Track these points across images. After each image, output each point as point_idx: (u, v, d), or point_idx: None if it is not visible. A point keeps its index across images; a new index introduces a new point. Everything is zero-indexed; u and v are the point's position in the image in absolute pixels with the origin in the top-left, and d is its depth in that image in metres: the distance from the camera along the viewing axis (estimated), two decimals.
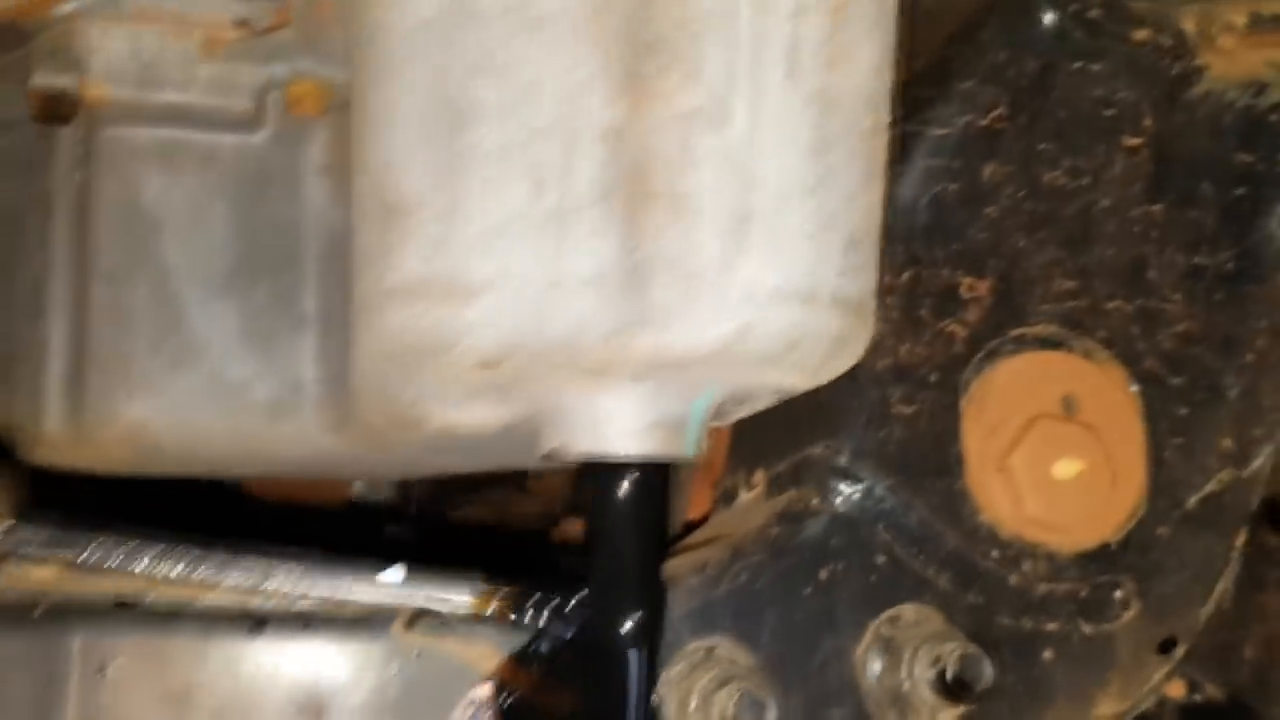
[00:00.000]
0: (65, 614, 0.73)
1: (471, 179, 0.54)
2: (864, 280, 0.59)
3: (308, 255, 0.99)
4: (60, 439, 0.98)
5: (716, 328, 0.56)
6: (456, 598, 0.69)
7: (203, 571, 0.65)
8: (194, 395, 0.97)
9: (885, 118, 0.60)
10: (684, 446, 0.64)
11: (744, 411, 0.73)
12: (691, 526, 0.98)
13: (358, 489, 1.39)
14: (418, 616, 0.77)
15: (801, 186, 0.55)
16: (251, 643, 0.75)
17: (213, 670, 0.74)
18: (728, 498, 1.00)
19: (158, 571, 0.65)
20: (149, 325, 0.98)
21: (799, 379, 0.62)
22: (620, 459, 0.64)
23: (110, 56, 0.97)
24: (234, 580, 0.65)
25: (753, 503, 0.95)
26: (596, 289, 0.55)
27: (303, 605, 0.75)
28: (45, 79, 0.99)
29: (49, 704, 0.73)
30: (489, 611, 0.69)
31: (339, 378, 0.97)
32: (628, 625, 0.67)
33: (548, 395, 0.64)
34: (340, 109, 0.99)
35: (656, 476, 0.65)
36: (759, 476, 0.94)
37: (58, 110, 1.00)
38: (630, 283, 0.55)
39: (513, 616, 0.69)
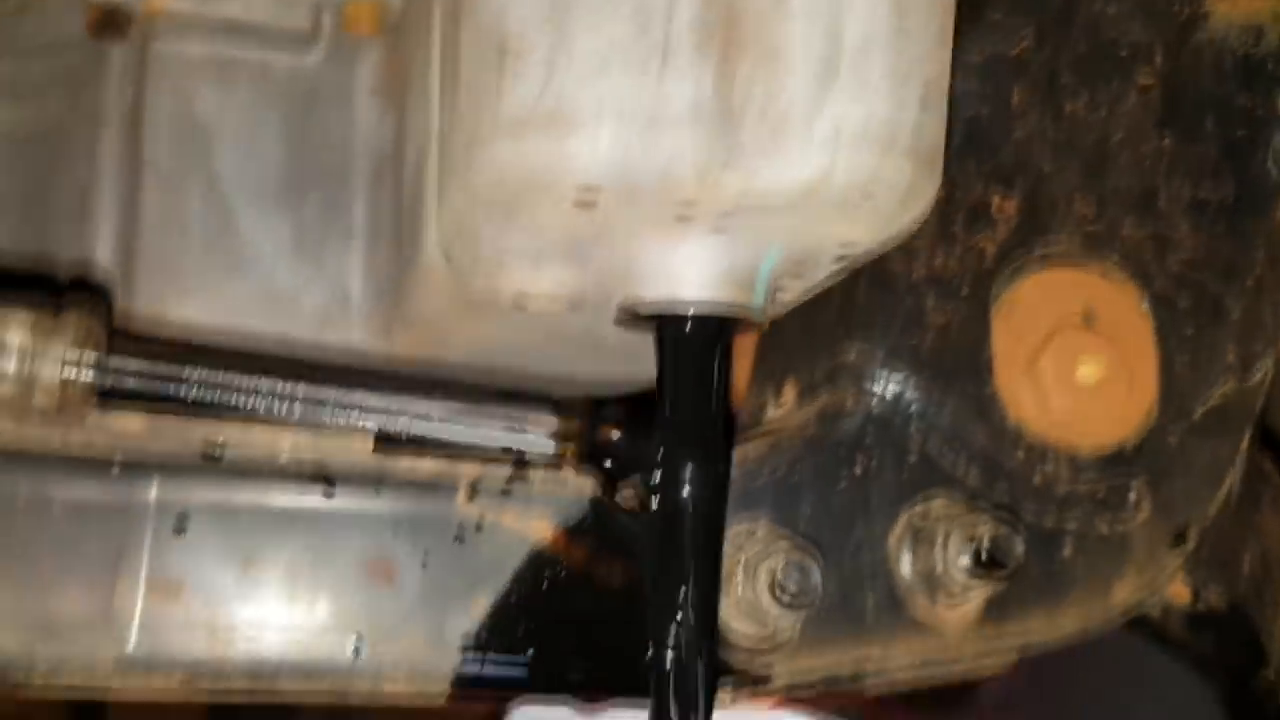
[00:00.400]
0: (143, 469, 0.75)
1: (580, 19, 0.59)
2: (934, 134, 0.64)
3: (357, 172, 1.03)
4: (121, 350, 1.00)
5: (800, 169, 0.60)
6: (535, 446, 0.72)
7: (297, 409, 0.67)
8: (244, 301, 1.00)
9: None
10: (753, 298, 0.68)
11: (799, 287, 0.78)
12: None
13: None
14: (478, 489, 0.81)
15: (883, 39, 0.60)
16: (324, 503, 0.77)
17: (285, 528, 0.76)
18: (755, 414, 1.04)
19: (254, 407, 0.67)
20: (200, 230, 1.01)
21: (869, 232, 0.67)
22: (691, 307, 0.68)
23: None
24: (328, 418, 0.67)
25: (783, 415, 0.99)
26: (690, 127, 0.59)
27: (374, 466, 0.78)
28: None
29: (122, 558, 0.75)
30: (568, 455, 0.72)
31: (386, 289, 1.00)
32: (689, 484, 0.70)
33: (626, 250, 0.68)
34: (393, 30, 1.04)
35: (726, 329, 0.69)
36: (788, 389, 0.98)
37: (113, 23, 1.03)
38: (722, 123, 0.59)
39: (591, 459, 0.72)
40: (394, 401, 0.70)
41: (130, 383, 0.66)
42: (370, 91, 1.03)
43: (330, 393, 0.67)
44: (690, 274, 0.66)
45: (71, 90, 1.05)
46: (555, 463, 0.79)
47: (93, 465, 0.74)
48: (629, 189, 0.60)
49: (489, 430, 0.71)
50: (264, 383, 0.67)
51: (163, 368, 0.67)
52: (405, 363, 1.01)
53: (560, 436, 0.73)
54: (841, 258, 0.70)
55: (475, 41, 0.62)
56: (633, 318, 0.71)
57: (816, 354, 0.94)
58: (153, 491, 0.75)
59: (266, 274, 1.01)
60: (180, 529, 0.75)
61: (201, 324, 0.99)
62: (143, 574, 0.75)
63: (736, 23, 0.59)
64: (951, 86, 0.90)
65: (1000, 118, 0.92)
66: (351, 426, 0.68)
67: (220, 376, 0.67)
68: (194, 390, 0.66)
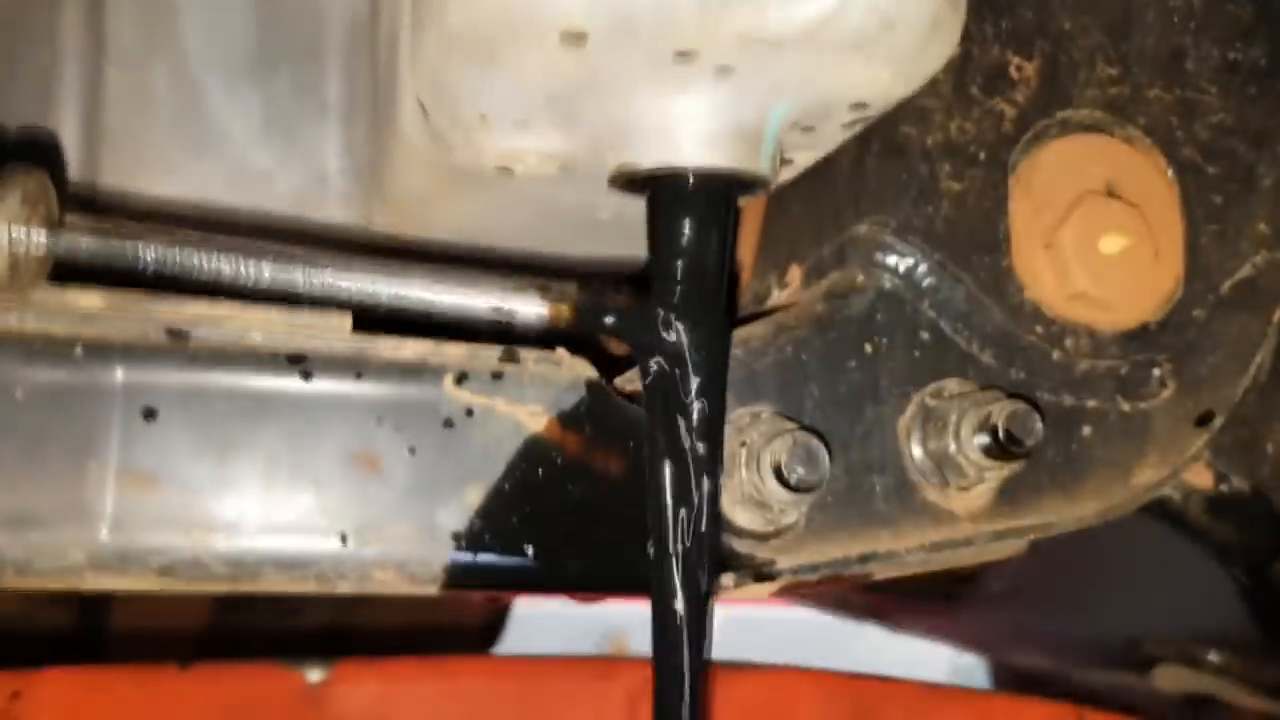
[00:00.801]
0: (107, 350, 0.70)
1: None
2: None
3: (330, 44, 0.97)
4: (74, 222, 0.95)
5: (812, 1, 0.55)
6: (524, 308, 0.67)
7: (266, 271, 0.62)
8: (215, 182, 0.95)
9: None
10: (759, 160, 0.63)
11: (810, 150, 0.72)
12: None
13: None
14: (466, 374, 0.76)
15: None
16: (302, 387, 0.73)
17: (262, 415, 0.72)
18: (758, 300, 1.00)
19: (219, 269, 0.62)
20: (167, 109, 0.95)
21: (889, 74, 0.61)
22: (692, 170, 0.62)
23: None
24: (300, 278, 0.62)
25: (787, 298, 0.94)
26: None
27: (354, 348, 0.73)
28: None
29: (89, 446, 0.70)
30: (563, 316, 0.67)
31: (364, 168, 0.95)
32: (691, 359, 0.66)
33: (620, 104, 0.62)
34: None
35: (730, 195, 0.64)
36: (793, 272, 0.93)
37: None
38: None
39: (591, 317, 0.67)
40: (370, 271, 0.64)
41: (84, 251, 0.61)
42: None
43: (299, 263, 0.62)
44: (690, 132, 0.60)
45: None
46: (548, 343, 0.74)
47: (54, 349, 0.69)
48: (621, 25, 0.54)
49: (473, 298, 0.66)
50: (228, 254, 0.61)
51: (118, 237, 0.61)
52: (387, 246, 0.96)
53: (553, 305, 0.68)
54: (857, 108, 0.64)
55: None
56: (629, 183, 0.65)
57: (824, 231, 0.89)
58: (118, 374, 0.70)
59: (238, 154, 0.95)
60: (150, 415, 0.71)
61: (170, 204, 0.94)
62: (112, 464, 0.70)
63: None
64: None
65: None
66: (325, 295, 0.63)
67: (181, 249, 0.61)
68: (153, 257, 0.61)
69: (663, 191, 0.63)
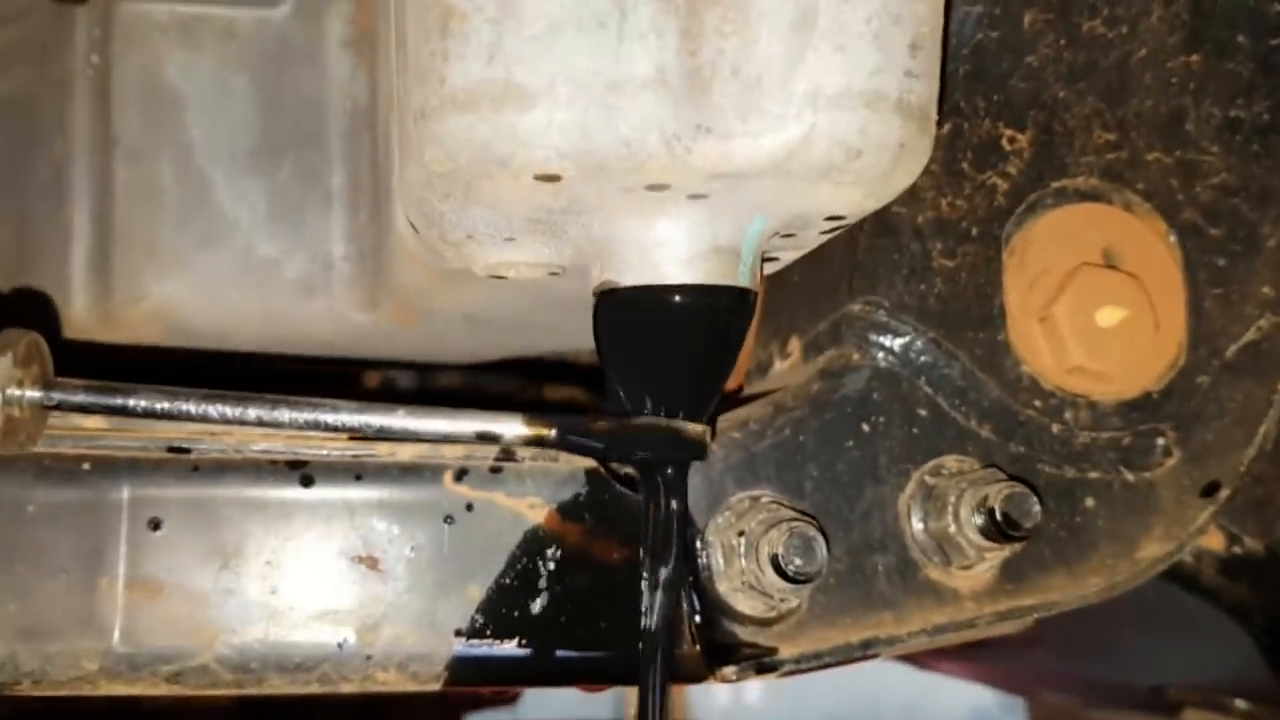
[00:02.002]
0: (113, 467, 0.72)
1: None
2: (927, 86, 0.58)
3: (332, 130, 0.99)
4: (88, 321, 0.98)
5: (780, 133, 0.55)
6: (509, 430, 0.68)
7: (252, 411, 0.64)
8: (224, 273, 0.97)
9: None
10: (738, 275, 0.63)
11: (794, 250, 0.73)
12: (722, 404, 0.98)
13: (374, 384, 1.38)
14: (465, 471, 0.77)
15: None
16: (303, 494, 0.74)
17: (264, 522, 0.74)
18: (761, 369, 1.00)
19: (206, 412, 0.64)
20: (175, 203, 0.97)
21: (859, 195, 0.61)
22: (673, 288, 0.63)
23: None
24: (286, 417, 0.64)
25: (788, 370, 0.94)
26: (656, 92, 0.54)
27: (352, 455, 0.74)
28: None
29: (98, 558, 0.72)
30: (545, 436, 0.68)
31: (369, 253, 0.96)
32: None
33: (600, 223, 0.63)
34: None
35: (712, 309, 0.64)
36: (793, 344, 0.94)
37: None
38: (691, 86, 0.54)
39: (570, 438, 0.68)
40: (356, 412, 0.66)
41: (78, 405, 0.63)
42: (341, 44, 0.98)
43: (284, 406, 0.64)
44: (668, 253, 0.61)
45: (38, 58, 1.01)
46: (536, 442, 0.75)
47: (63, 466, 0.71)
48: (593, 165, 0.55)
49: (458, 425, 0.67)
50: (216, 402, 0.63)
51: (110, 393, 0.63)
52: (391, 332, 0.97)
53: (535, 428, 0.69)
54: (833, 219, 0.65)
55: (419, 2, 0.57)
56: (612, 297, 0.66)
57: (819, 307, 0.89)
58: (124, 488, 0.72)
59: (245, 243, 0.97)
60: (156, 525, 0.73)
61: (180, 299, 0.96)
62: (121, 573, 0.72)
63: None
64: (958, 9, 0.85)
65: (1011, 42, 0.85)
66: (313, 428, 0.65)
67: (171, 399, 0.63)
68: (143, 407, 0.63)
69: (642, 308, 0.64)
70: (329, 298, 0.97)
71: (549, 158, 0.55)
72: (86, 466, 0.72)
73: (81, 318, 0.98)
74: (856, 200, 0.62)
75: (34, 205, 1.00)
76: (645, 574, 0.69)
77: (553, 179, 0.57)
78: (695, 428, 0.66)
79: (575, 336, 0.95)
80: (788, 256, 0.74)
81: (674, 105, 0.54)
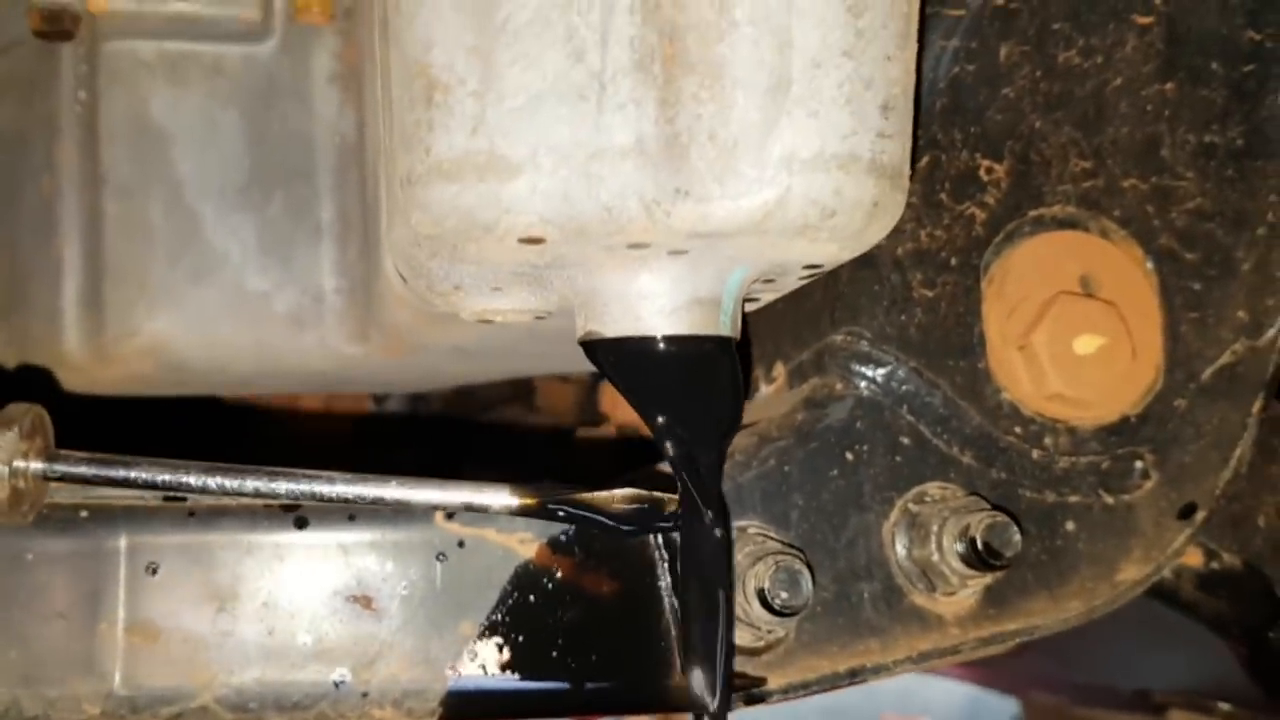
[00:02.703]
0: (110, 514, 0.73)
1: (509, 50, 0.54)
2: (900, 145, 0.60)
3: (321, 165, 0.99)
4: (80, 359, 0.99)
5: (756, 195, 0.56)
6: (496, 500, 0.70)
7: (250, 483, 0.65)
8: (215, 308, 0.98)
9: None
10: (720, 325, 0.65)
11: (773, 293, 0.74)
12: None
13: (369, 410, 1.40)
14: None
15: (838, 48, 0.56)
16: (297, 535, 0.76)
17: (259, 564, 0.75)
18: (748, 394, 1.02)
19: (206, 484, 0.66)
20: (165, 238, 0.98)
21: (835, 249, 0.63)
22: (656, 338, 0.64)
23: None
24: (284, 488, 0.65)
25: (774, 395, 0.96)
26: (636, 159, 0.55)
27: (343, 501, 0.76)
28: None
29: (97, 603, 0.74)
30: (530, 507, 0.70)
31: (359, 287, 0.98)
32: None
33: (584, 277, 0.64)
34: (347, 16, 0.99)
35: (697, 355, 0.66)
36: (779, 369, 0.95)
37: (60, 26, 0.99)
38: (669, 152, 0.55)
39: (554, 509, 0.70)
40: (350, 483, 0.67)
41: (79, 475, 0.65)
42: (328, 80, 0.99)
43: (281, 478, 0.65)
44: (651, 305, 0.63)
45: (25, 94, 1.02)
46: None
47: (60, 514, 0.73)
48: (575, 229, 0.57)
49: (448, 496, 0.69)
50: (214, 474, 0.65)
51: (110, 465, 0.65)
52: (383, 364, 0.99)
53: (521, 499, 0.71)
54: (811, 268, 0.66)
55: (403, 73, 0.58)
56: (597, 347, 0.67)
57: (803, 335, 0.90)
58: (121, 535, 0.73)
59: (235, 278, 0.98)
60: (153, 570, 0.74)
61: (173, 334, 0.97)
62: (120, 617, 0.74)
63: (678, 38, 0.55)
64: (934, 45, 0.86)
65: (988, 75, 0.87)
66: (308, 499, 0.66)
67: (171, 470, 0.65)
68: (144, 478, 0.64)
69: (627, 357, 0.65)
70: (320, 330, 0.98)
71: (533, 223, 0.56)
72: (84, 515, 0.74)
73: (74, 354, 0.99)
74: (832, 253, 0.63)
75: (24, 241, 1.01)
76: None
77: (536, 241, 0.58)
78: (673, 498, 0.68)
79: (564, 362, 0.97)
80: (768, 297, 0.75)
81: (653, 171, 0.56)
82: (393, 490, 0.67)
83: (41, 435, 0.64)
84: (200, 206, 0.98)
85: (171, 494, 0.72)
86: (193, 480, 0.65)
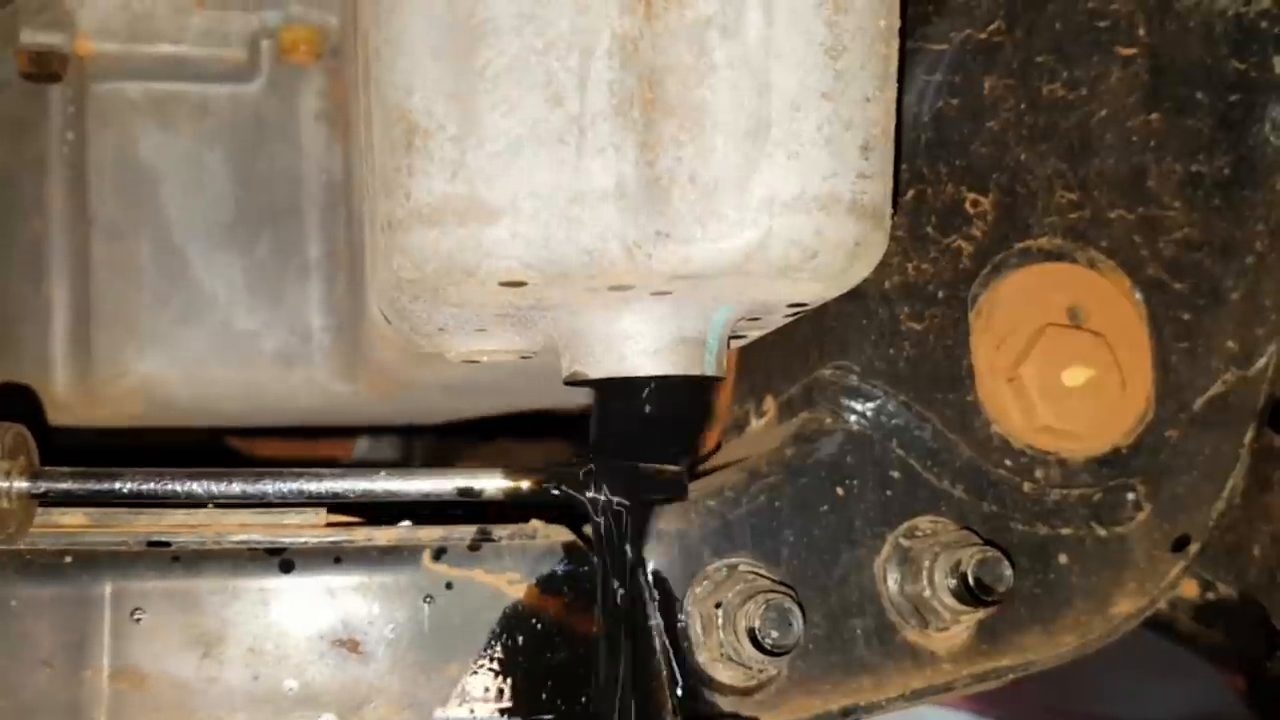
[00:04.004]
0: (95, 561, 0.73)
1: (488, 96, 0.54)
2: (881, 185, 0.60)
3: (308, 203, 1.00)
4: (69, 398, 0.99)
5: (737, 237, 0.56)
6: (489, 484, 0.69)
7: (236, 485, 0.65)
8: (204, 348, 0.98)
9: (896, 19, 0.60)
10: (704, 364, 0.65)
11: (759, 330, 0.74)
12: (696, 462, 0.99)
13: (359, 451, 1.39)
14: (444, 550, 0.78)
15: (817, 91, 0.56)
16: (282, 580, 0.75)
17: (244, 609, 0.74)
18: (738, 427, 1.01)
19: (191, 490, 0.65)
20: (153, 279, 0.98)
21: (818, 288, 0.63)
22: (641, 380, 0.64)
23: (100, 11, 0.97)
24: (270, 488, 0.65)
25: (764, 429, 0.95)
26: (616, 203, 0.55)
27: (330, 540, 0.75)
28: (34, 36, 0.98)
29: (82, 650, 0.73)
30: (523, 487, 0.69)
31: (347, 325, 0.97)
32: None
33: (568, 317, 0.64)
34: (334, 54, 0.99)
35: (678, 395, 0.66)
36: (769, 403, 0.95)
37: (48, 68, 0.99)
38: (650, 195, 0.55)
39: (553, 490, 0.70)
40: (337, 478, 0.67)
41: (64, 492, 0.64)
42: (315, 118, 1.00)
43: (267, 478, 0.65)
44: (635, 346, 0.62)
45: (14, 135, 1.02)
46: (520, 515, 0.77)
47: (45, 560, 0.72)
48: (557, 272, 0.56)
49: (440, 484, 0.68)
50: (199, 479, 0.64)
51: (95, 479, 0.64)
52: (372, 401, 0.98)
53: (513, 480, 0.71)
54: (795, 306, 0.66)
55: (384, 119, 0.58)
56: (583, 383, 0.67)
57: (792, 369, 0.90)
58: (106, 582, 0.73)
59: (224, 317, 0.98)
60: (138, 616, 0.73)
61: (161, 375, 0.97)
62: (105, 664, 0.73)
63: (657, 83, 0.55)
64: (917, 79, 0.86)
65: (972, 108, 0.87)
66: (296, 497, 0.66)
67: (156, 480, 0.64)
68: (129, 489, 0.64)
69: (613, 398, 0.65)
70: (309, 368, 0.98)
71: (513, 267, 0.56)
72: (68, 560, 0.73)
73: (63, 394, 0.98)
74: (816, 292, 0.63)
75: (12, 282, 1.01)
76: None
77: (518, 284, 0.58)
78: (672, 467, 0.68)
79: (551, 398, 0.96)
80: (754, 334, 0.75)
81: (634, 214, 0.56)
82: (382, 482, 0.66)
83: (25, 454, 0.64)
84: (188, 247, 0.99)
85: (155, 540, 0.71)
86: (178, 487, 0.64)
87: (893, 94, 0.60)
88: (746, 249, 0.56)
